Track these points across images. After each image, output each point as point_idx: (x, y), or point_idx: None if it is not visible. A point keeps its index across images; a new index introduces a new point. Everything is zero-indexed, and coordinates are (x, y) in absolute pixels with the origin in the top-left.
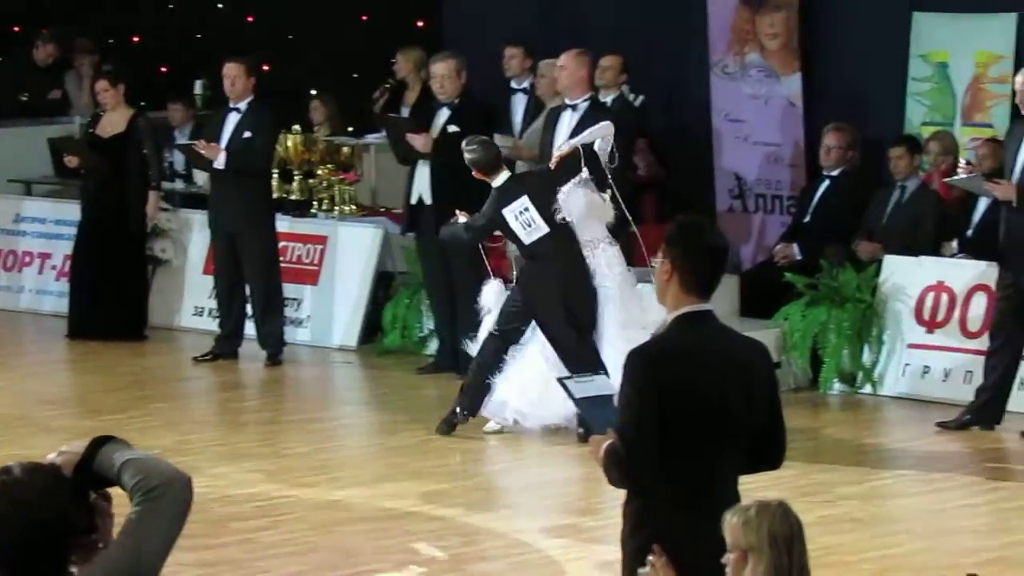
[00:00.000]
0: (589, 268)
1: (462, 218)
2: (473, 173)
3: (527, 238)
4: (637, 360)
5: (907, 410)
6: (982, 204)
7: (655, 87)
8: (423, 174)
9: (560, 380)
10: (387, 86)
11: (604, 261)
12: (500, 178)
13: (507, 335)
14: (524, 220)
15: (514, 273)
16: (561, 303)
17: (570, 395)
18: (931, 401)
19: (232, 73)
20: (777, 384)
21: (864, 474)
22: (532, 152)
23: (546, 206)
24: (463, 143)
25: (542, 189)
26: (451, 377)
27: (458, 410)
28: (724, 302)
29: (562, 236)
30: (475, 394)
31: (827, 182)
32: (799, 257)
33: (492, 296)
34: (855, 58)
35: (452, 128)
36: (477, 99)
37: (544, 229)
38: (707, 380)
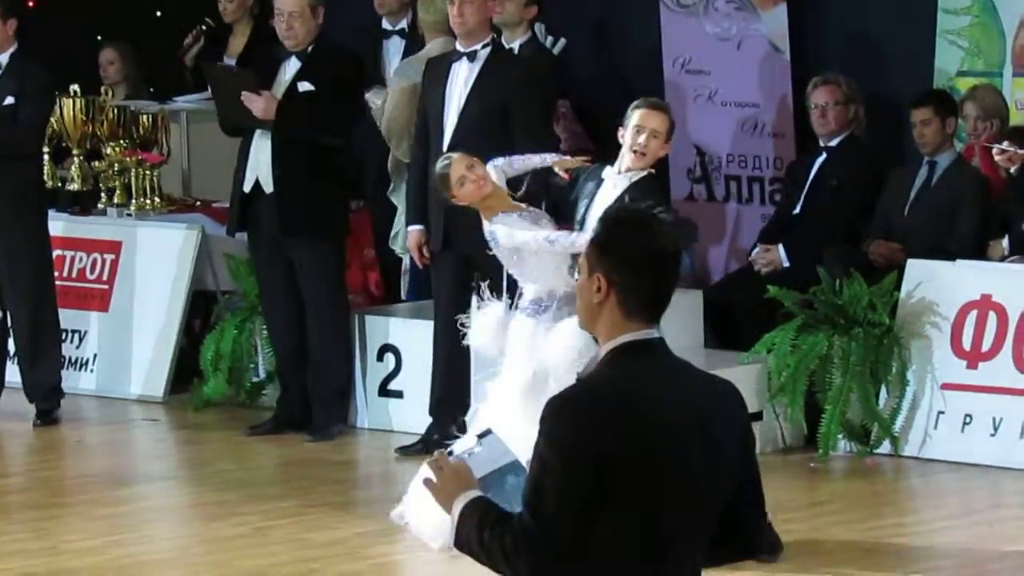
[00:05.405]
0: None
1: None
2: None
3: None
4: (560, 411)
5: (943, 477)
6: None
7: (580, 27)
8: (262, 150)
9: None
10: (202, 28)
11: None
12: None
13: None
14: None
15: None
16: None
17: None
18: (975, 464)
19: None
20: (754, 443)
21: (887, 573)
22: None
23: None
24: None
25: None
26: (297, 438)
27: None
28: (683, 328)
29: None
30: None
31: (824, 156)
32: (787, 264)
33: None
34: None
35: (304, 86)
36: (338, 45)
37: None
38: (658, 437)
